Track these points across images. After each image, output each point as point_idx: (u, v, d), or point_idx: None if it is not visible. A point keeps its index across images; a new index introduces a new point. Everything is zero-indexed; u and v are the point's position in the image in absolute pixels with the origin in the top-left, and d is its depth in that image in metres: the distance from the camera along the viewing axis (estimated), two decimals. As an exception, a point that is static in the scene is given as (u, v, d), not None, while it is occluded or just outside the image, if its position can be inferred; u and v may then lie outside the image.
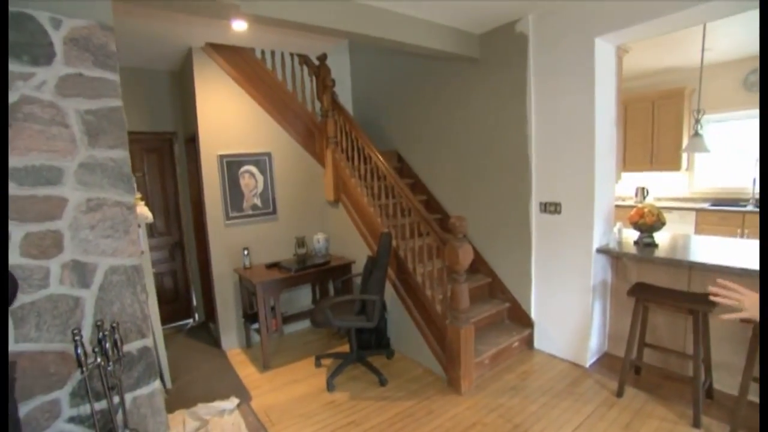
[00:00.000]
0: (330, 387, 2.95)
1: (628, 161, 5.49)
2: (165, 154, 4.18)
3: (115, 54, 1.80)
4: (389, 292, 3.36)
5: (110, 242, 1.82)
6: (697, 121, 3.20)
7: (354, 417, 2.65)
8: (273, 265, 3.65)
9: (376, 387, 2.98)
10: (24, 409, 1.62)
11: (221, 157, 3.58)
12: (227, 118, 3.60)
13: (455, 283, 2.66)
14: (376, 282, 2.86)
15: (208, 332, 4.17)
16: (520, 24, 3.13)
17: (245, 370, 3.36)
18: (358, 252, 3.71)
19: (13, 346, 1.60)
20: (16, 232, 1.60)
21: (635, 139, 5.41)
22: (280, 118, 3.84)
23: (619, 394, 2.69)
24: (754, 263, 2.37)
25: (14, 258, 1.59)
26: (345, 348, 3.56)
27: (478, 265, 3.67)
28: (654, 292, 2.61)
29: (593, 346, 3.10)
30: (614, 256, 3.06)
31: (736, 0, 2.22)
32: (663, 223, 2.95)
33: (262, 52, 3.77)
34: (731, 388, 2.56)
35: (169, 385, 3.06)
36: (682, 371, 2.78)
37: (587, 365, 3.08)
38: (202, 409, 2.72)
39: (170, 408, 2.66)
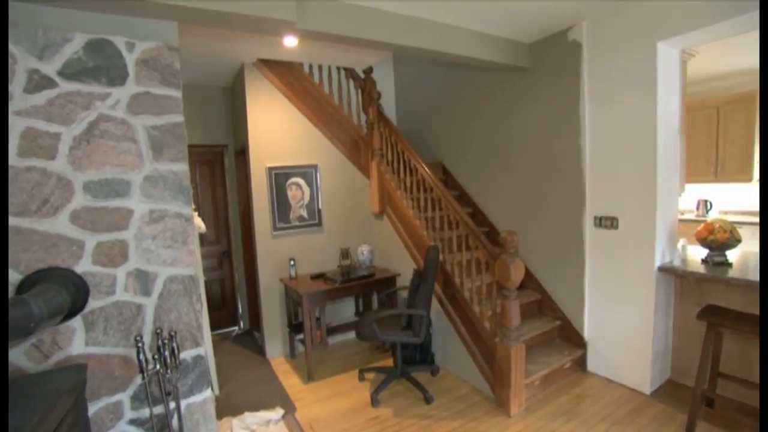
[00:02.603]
0: (374, 402, 2.91)
1: (689, 172, 5.09)
2: (216, 166, 4.36)
3: (179, 72, 1.90)
4: (434, 306, 3.29)
5: (170, 252, 1.90)
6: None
7: (399, 434, 2.59)
8: (318, 276, 3.69)
9: (421, 404, 2.90)
10: (92, 409, 1.70)
11: (270, 169, 3.68)
12: (276, 131, 3.70)
13: (506, 300, 2.56)
14: (423, 296, 2.80)
15: (253, 340, 4.26)
16: (572, 31, 3.02)
17: (289, 380, 3.38)
18: (402, 265, 3.67)
19: (83, 349, 1.69)
20: (89, 242, 1.69)
21: (697, 148, 5.04)
22: (327, 130, 3.91)
23: (690, 429, 2.46)
24: None
25: (86, 266, 1.69)
26: (388, 362, 3.51)
27: (527, 280, 3.52)
28: (728, 316, 2.38)
29: (655, 372, 2.87)
30: (679, 276, 2.84)
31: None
32: (738, 241, 2.70)
33: (310, 66, 3.87)
34: (824, 427, 2.28)
35: (217, 392, 3.13)
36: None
37: (648, 392, 2.85)
38: (249, 417, 2.75)
39: (218, 415, 2.71)
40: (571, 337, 3.23)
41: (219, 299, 4.47)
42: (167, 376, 1.75)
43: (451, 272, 3.09)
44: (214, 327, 4.31)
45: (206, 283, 4.26)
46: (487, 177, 3.93)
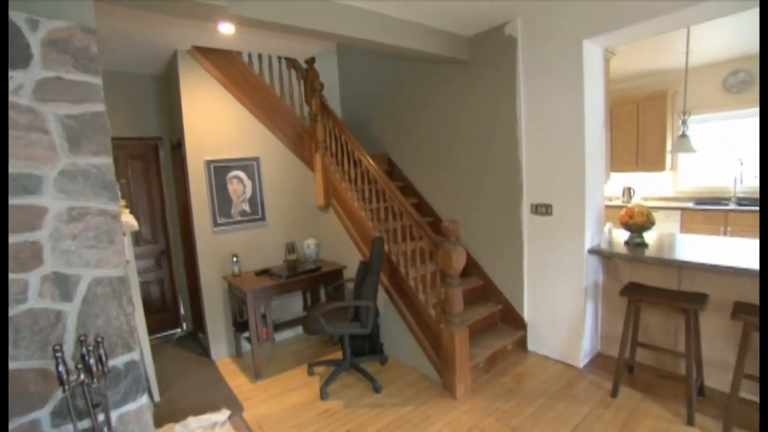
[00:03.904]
0: (324, 395, 2.90)
1: (615, 162, 5.56)
2: (150, 160, 4.08)
3: (96, 57, 1.74)
4: (382, 297, 3.33)
5: (94, 253, 1.75)
6: (684, 122, 3.25)
7: (350, 425, 2.60)
8: (263, 272, 3.59)
9: (371, 394, 2.93)
10: (2, 432, 1.53)
11: (208, 162, 3.51)
12: (214, 122, 3.53)
13: (449, 287, 2.64)
14: (369, 287, 2.82)
15: (197, 342, 4.07)
16: (509, 27, 3.14)
17: (236, 380, 3.28)
18: (349, 257, 3.66)
19: (-10, 365, 1.52)
20: (-7, 244, 1.52)
21: (621, 140, 5.48)
22: (269, 122, 3.78)
23: (614, 394, 2.69)
24: (739, 261, 2.41)
25: (-9, 271, 1.51)
26: (338, 355, 3.50)
27: (470, 267, 3.66)
28: (646, 291, 2.62)
29: (586, 347, 3.11)
30: (606, 257, 3.08)
31: (723, 2, 2.25)
32: (653, 223, 2.97)
33: (249, 56, 3.72)
34: (723, 385, 2.58)
35: (157, 398, 2.96)
36: (675, 370, 2.80)
37: (581, 366, 3.08)
38: (193, 422, 2.63)
39: (159, 422, 2.58)
40: (512, 320, 3.41)
41: (159, 301, 4.21)
42: (93, 386, 1.62)
43: (396, 262, 3.13)
44: (154, 330, 4.08)
45: (143, 284, 4.01)
46: (431, 168, 4.01)
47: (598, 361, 3.17)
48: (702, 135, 5.14)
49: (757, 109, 4.72)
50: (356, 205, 3.48)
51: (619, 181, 5.77)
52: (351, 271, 3.60)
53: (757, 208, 4.44)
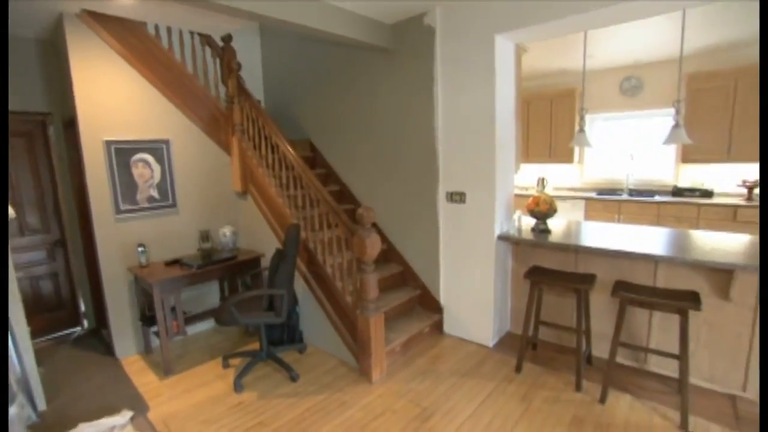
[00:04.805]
0: (238, 388, 2.80)
1: (531, 153, 5.96)
2: (37, 139, 3.60)
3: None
4: (300, 285, 3.27)
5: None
6: (582, 118, 3.53)
7: (263, 417, 2.54)
8: (173, 262, 3.36)
9: (288, 383, 2.89)
10: None
11: (108, 143, 3.18)
12: (114, 99, 3.20)
13: (364, 274, 2.66)
14: (283, 275, 2.75)
15: (100, 340, 3.73)
16: (427, 17, 3.18)
17: (144, 378, 3.06)
18: (268, 245, 3.55)
19: None
20: None
21: (537, 133, 5.87)
22: (180, 102, 3.51)
23: (518, 369, 2.90)
24: (621, 245, 2.71)
25: None
26: (256, 346, 3.40)
27: (391, 254, 3.72)
28: (546, 274, 2.84)
29: (496, 327, 3.31)
30: (514, 242, 3.28)
31: (616, 11, 2.44)
32: (555, 211, 3.21)
33: (156, 28, 3.41)
34: (605, 353, 2.89)
35: (42, 407, 2.66)
36: (571, 344, 3.08)
37: (491, 345, 3.28)
38: (85, 429, 2.41)
39: (43, 432, 2.33)
40: (430, 304, 3.53)
41: (53, 297, 3.78)
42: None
43: (314, 250, 3.09)
44: (47, 331, 3.69)
45: (33, 279, 3.60)
46: (353, 155, 3.99)
47: (507, 339, 3.39)
48: (603, 132, 5.65)
49: (648, 112, 5.30)
50: (274, 191, 3.36)
51: (534, 171, 6.18)
52: (269, 260, 3.49)
53: (644, 198, 5.00)
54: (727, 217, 4.46)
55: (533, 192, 5.93)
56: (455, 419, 2.43)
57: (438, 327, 3.51)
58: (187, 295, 3.58)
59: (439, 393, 2.69)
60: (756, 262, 2.27)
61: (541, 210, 3.21)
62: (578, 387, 2.64)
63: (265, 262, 3.58)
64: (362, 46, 3.44)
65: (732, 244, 2.66)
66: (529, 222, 3.45)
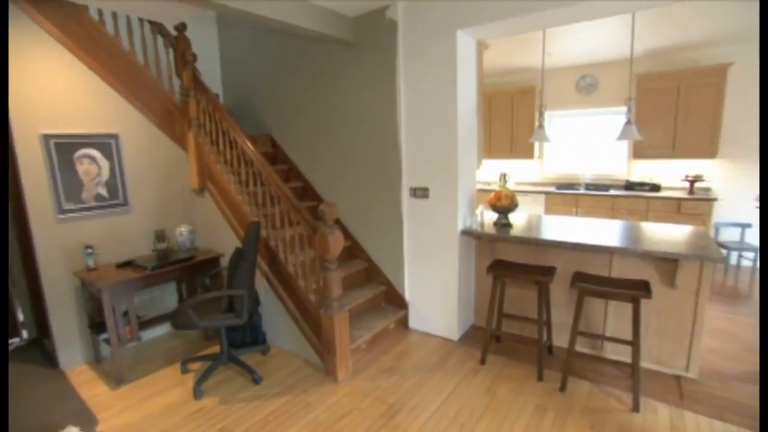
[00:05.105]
0: (197, 393, 2.68)
1: (494, 149, 6.08)
2: (-35, 133, 3.28)
3: None
4: (262, 284, 3.17)
5: None
6: (541, 114, 3.62)
7: (224, 422, 2.44)
8: (126, 264, 3.16)
9: (251, 386, 2.79)
10: None
11: (46, 137, 2.94)
12: (52, 89, 2.95)
13: (327, 272, 2.60)
14: (243, 275, 2.65)
15: (42, 351, 3.46)
16: (390, 10, 3.14)
17: (93, 389, 2.86)
18: (227, 244, 3.41)
19: None
20: None
21: (499, 129, 5.99)
22: (130, 94, 3.30)
23: (483, 361, 2.95)
24: (578, 238, 2.80)
25: None
26: (216, 349, 3.27)
27: (355, 251, 3.68)
28: (508, 267, 2.89)
29: (461, 321, 3.35)
30: (477, 237, 3.33)
31: (572, 10, 2.50)
32: (516, 205, 3.28)
33: (100, 13, 3.18)
34: (565, 342, 2.99)
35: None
36: (533, 335, 3.17)
37: (456, 339, 3.31)
38: (24, 446, 2.23)
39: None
40: (395, 300, 3.52)
41: (-13, 306, 3.47)
42: None
43: (276, 248, 3.00)
44: (-22, 342, 3.37)
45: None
46: (316, 151, 3.91)
47: (471, 332, 3.44)
48: (561, 128, 5.85)
49: (603, 109, 5.53)
50: (233, 188, 3.24)
51: (496, 166, 6.31)
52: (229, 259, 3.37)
53: (600, 192, 5.22)
54: (673, 210, 4.74)
55: (496, 187, 6.05)
56: (421, 415, 2.43)
57: (403, 322, 3.51)
58: (141, 298, 3.40)
59: (405, 389, 2.69)
60: (697, 251, 2.41)
61: (503, 205, 3.27)
62: (540, 377, 2.72)
63: (225, 262, 3.45)
64: (324, 39, 3.37)
65: (677, 235, 2.82)
66: (491, 216, 3.51)
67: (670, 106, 4.78)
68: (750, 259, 4.72)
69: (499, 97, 5.90)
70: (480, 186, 3.67)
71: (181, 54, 3.45)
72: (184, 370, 3.00)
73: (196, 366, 3.08)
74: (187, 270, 3.29)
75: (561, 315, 3.05)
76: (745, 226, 4.69)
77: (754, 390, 2.58)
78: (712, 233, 4.61)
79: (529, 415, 2.39)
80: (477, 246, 3.41)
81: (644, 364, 2.78)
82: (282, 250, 3.00)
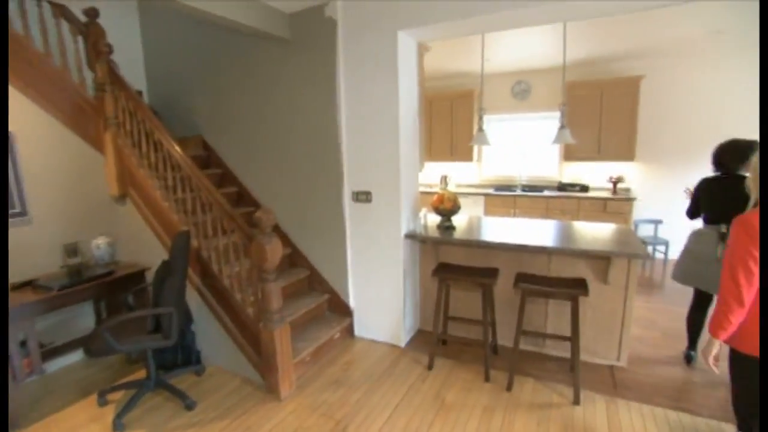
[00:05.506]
0: (118, 428, 2.36)
1: (434, 152, 6.16)
2: None
3: None
4: (195, 299, 2.90)
5: None
6: (481, 118, 3.69)
7: (150, 458, 2.17)
8: (25, 285, 2.74)
9: (183, 413, 2.52)
10: None
11: None
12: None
13: (265, 283, 2.42)
14: (171, 290, 2.39)
15: None
16: (329, 8, 3.03)
17: (-16, 432, 2.42)
18: (154, 256, 3.07)
19: None
20: None
21: (439, 132, 6.09)
22: (26, 86, 2.85)
23: (430, 367, 2.92)
24: (520, 239, 2.88)
25: None
26: (142, 374, 2.93)
27: (296, 258, 3.51)
28: (452, 270, 2.89)
29: (408, 326, 3.30)
30: (421, 240, 3.30)
31: (509, 16, 2.55)
32: (459, 208, 3.30)
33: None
34: (510, 341, 3.04)
35: None
36: (478, 336, 3.20)
37: (403, 345, 3.26)
38: None
39: None
40: (339, 308, 3.40)
41: None
42: None
43: (208, 259, 2.76)
44: None
45: None
46: (252, 154, 3.68)
47: (418, 337, 3.41)
48: (498, 132, 6.08)
49: (534, 114, 5.81)
50: (158, 195, 2.93)
51: (438, 169, 6.41)
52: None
53: (535, 194, 5.48)
54: (600, 209, 5.09)
55: (437, 189, 6.16)
56: (371, 428, 2.33)
57: (349, 331, 3.40)
58: (47, 323, 2.97)
59: (353, 402, 2.58)
60: (627, 249, 2.57)
61: (446, 207, 3.28)
62: (487, 377, 2.74)
63: (152, 276, 3.11)
64: (259, 35, 3.17)
65: (606, 234, 2.99)
66: (435, 219, 3.51)
67: (595, 112, 5.13)
68: (662, 252, 5.19)
69: (439, 100, 6.00)
70: (422, 189, 3.66)
71: (93, 44, 3.06)
72: (102, 403, 2.64)
73: (117, 396, 2.73)
74: (105, 287, 2.93)
75: (505, 314, 3.11)
76: (657, 222, 5.16)
77: (674, 372, 2.82)
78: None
79: (478, 417, 2.39)
80: (421, 250, 3.39)
81: (582, 357, 2.90)
82: (215, 261, 2.76)
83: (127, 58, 3.80)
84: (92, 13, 3.08)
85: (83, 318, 3.25)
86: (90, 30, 3.08)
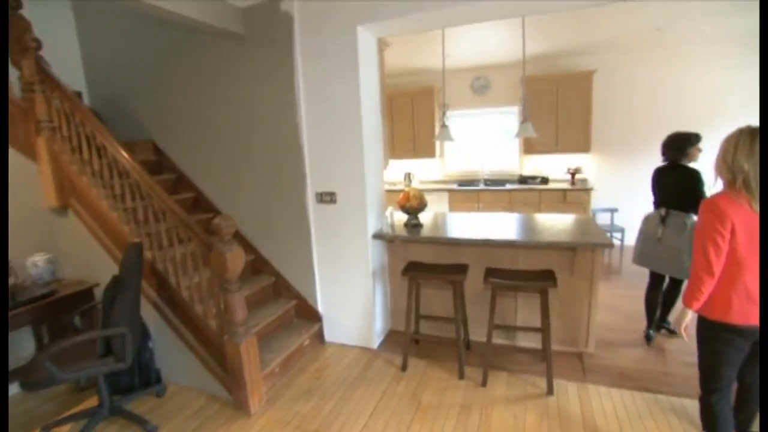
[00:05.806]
0: (67, 463, 2.15)
1: (396, 149, 6.13)
2: None
3: None
4: (152, 315, 2.70)
5: None
6: (444, 113, 3.68)
7: (107, 493, 1.98)
8: (-51, 312, 2.43)
9: (144, 439, 2.33)
10: None
11: None
12: None
13: (228, 293, 2.27)
14: (123, 308, 2.19)
15: None
16: (284, 2, 2.90)
17: None
18: (103, 271, 2.81)
19: None
20: None
21: (401, 130, 6.06)
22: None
23: (404, 368, 2.87)
24: (489, 234, 2.89)
25: None
26: (94, 401, 2.69)
27: (260, 265, 3.36)
28: (422, 269, 2.85)
29: (379, 328, 3.24)
30: (388, 240, 3.24)
31: (466, 10, 2.52)
32: (425, 205, 3.27)
33: None
34: (482, 336, 3.04)
35: None
36: (451, 334, 3.17)
37: (376, 347, 3.19)
38: None
39: None
40: (308, 314, 3.28)
41: None
42: None
43: (164, 271, 2.56)
44: None
45: None
46: (209, 157, 3.49)
47: (391, 338, 3.35)
48: (459, 127, 6.13)
49: (493, 109, 5.90)
50: (105, 204, 2.69)
51: (401, 166, 6.38)
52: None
53: (498, 188, 5.57)
54: (560, 200, 5.25)
55: (402, 187, 6.13)
56: (347, 437, 2.25)
57: (319, 337, 3.29)
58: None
59: (327, 411, 2.48)
60: (592, 239, 2.65)
61: (412, 205, 3.23)
62: (461, 375, 2.73)
63: (101, 293, 2.86)
64: (211, 31, 2.98)
65: (569, 224, 3.06)
66: (401, 217, 3.46)
67: (552, 106, 5.28)
68: (618, 239, 5.43)
69: (400, 97, 5.97)
70: (386, 187, 3.60)
71: (16, 38, 2.76)
72: (48, 437, 2.40)
73: (65, 429, 2.47)
74: (46, 309, 2.66)
75: (476, 310, 3.11)
76: (613, 210, 5.39)
77: (637, 354, 2.94)
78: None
79: (456, 416, 2.36)
80: (389, 249, 3.33)
81: (552, 346, 2.94)
82: (172, 272, 2.57)
83: (59, 55, 3.46)
84: (14, 4, 2.78)
85: (21, 345, 2.96)
86: (12, 22, 2.77)
